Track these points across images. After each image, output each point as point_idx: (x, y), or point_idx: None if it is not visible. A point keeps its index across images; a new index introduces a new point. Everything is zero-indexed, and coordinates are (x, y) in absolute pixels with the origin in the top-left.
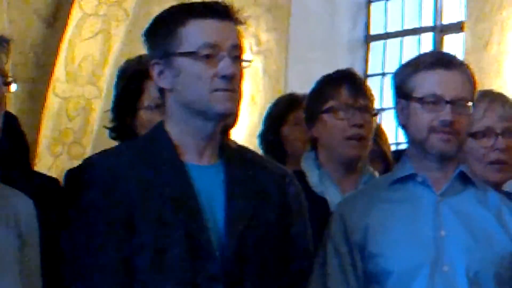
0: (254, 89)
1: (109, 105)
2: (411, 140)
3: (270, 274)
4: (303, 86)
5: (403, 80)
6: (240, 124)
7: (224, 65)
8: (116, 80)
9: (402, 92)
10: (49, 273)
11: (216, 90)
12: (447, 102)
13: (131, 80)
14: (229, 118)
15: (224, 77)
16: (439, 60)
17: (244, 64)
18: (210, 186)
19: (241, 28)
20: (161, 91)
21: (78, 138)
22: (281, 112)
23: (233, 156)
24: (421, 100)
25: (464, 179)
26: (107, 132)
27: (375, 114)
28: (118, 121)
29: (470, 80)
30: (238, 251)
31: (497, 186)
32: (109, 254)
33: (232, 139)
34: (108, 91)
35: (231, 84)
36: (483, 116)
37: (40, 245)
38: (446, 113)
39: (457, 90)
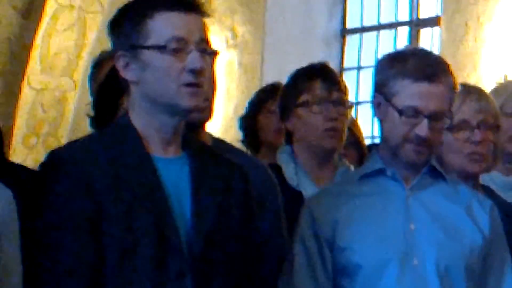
0: (230, 82)
1: (84, 97)
2: (383, 136)
3: (238, 270)
4: (279, 79)
5: (386, 80)
6: (215, 116)
7: (192, 59)
8: (90, 71)
9: (382, 91)
10: (30, 264)
11: (184, 84)
12: (425, 116)
13: (109, 76)
14: (195, 113)
15: (192, 71)
16: (426, 71)
17: (211, 57)
18: (176, 179)
19: (209, 20)
20: (126, 83)
21: (53, 130)
22: (260, 99)
23: (197, 149)
24: (399, 110)
25: (434, 173)
26: (82, 123)
27: (350, 107)
28: (99, 115)
29: (451, 90)
30: (205, 248)
31: (473, 178)
32: (75, 254)
33: (208, 131)
34: (84, 83)
35: (199, 78)
36: (459, 109)
37: (21, 236)
38: (422, 128)
39: (437, 104)
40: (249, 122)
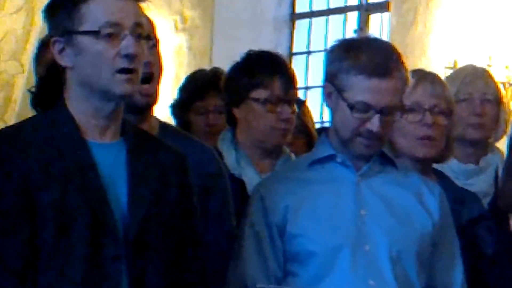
0: (178, 66)
1: (32, 81)
2: (334, 126)
3: (174, 255)
4: (228, 63)
5: (338, 72)
6: (163, 101)
7: (127, 44)
8: (35, 53)
9: (334, 81)
10: None
11: (118, 70)
12: (376, 111)
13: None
14: (140, 97)
15: (126, 56)
16: (378, 68)
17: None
18: (112, 164)
19: (157, 4)
20: (62, 68)
21: (1, 114)
22: (189, 98)
23: (134, 135)
24: (351, 106)
25: (385, 160)
26: (29, 107)
27: (300, 103)
28: (43, 96)
29: (403, 83)
30: (141, 230)
31: (425, 162)
32: (10, 241)
33: (155, 116)
34: (31, 67)
35: (134, 63)
36: (412, 92)
37: None
38: (373, 123)
39: (389, 99)
40: (179, 112)
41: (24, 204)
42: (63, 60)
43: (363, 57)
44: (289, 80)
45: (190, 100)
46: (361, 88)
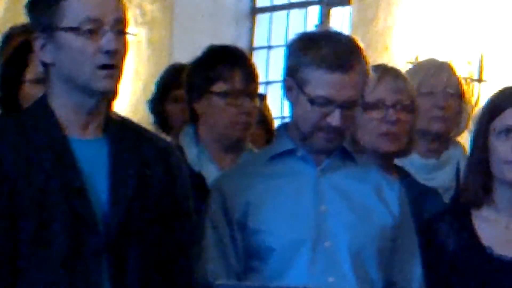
0: (138, 60)
1: None
2: (294, 120)
3: (156, 250)
4: (188, 57)
5: (298, 66)
6: (123, 95)
7: (107, 40)
8: None
9: (294, 76)
10: None
11: (98, 66)
12: (337, 105)
13: (16, 51)
14: (111, 94)
15: (107, 52)
16: (338, 61)
17: (128, 37)
18: (94, 160)
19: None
20: (45, 64)
21: None
22: (165, 86)
23: (117, 130)
24: (312, 100)
25: (345, 155)
26: None
27: (261, 97)
28: (3, 92)
29: (364, 76)
30: (122, 225)
31: (387, 158)
32: None
33: (115, 111)
34: None
35: (114, 59)
36: (374, 88)
37: None
38: (334, 117)
39: (349, 93)
40: (156, 106)
41: (4, 200)
42: (45, 56)
43: (323, 51)
44: (250, 73)
45: (167, 89)
46: (322, 82)
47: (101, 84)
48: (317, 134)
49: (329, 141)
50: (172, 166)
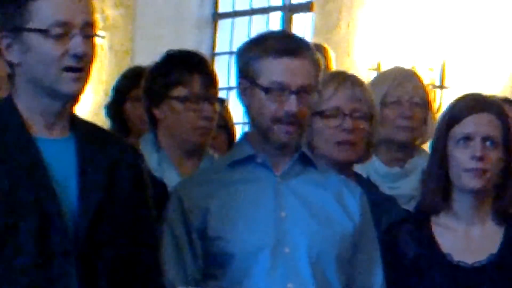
0: (99, 66)
1: None
2: (252, 123)
3: (126, 250)
4: (150, 62)
5: (248, 62)
6: (84, 101)
7: (75, 44)
8: None
9: (246, 74)
10: None
11: (66, 69)
12: (292, 92)
13: None
14: (78, 98)
15: (75, 56)
16: (286, 47)
17: (97, 40)
18: (61, 159)
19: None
20: (11, 64)
21: None
22: (124, 86)
23: (84, 129)
24: (265, 89)
25: (305, 160)
26: None
27: (221, 102)
28: None
29: (316, 66)
30: (91, 228)
31: (345, 166)
32: None
33: (77, 115)
34: None
35: (82, 63)
36: (332, 96)
37: None
38: (291, 103)
39: (303, 79)
40: (115, 110)
41: None
42: (10, 56)
43: (271, 42)
44: (209, 77)
45: (126, 90)
46: (273, 69)
47: (67, 86)
48: (276, 127)
49: (288, 133)
50: (141, 169)
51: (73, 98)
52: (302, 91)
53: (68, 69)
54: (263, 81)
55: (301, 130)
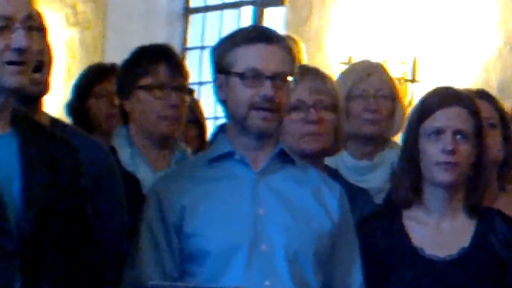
0: (70, 60)
1: None
2: (230, 116)
3: (71, 250)
4: (121, 57)
5: (222, 55)
6: (55, 96)
7: (17, 38)
8: None
9: (221, 67)
10: None
11: (7, 62)
12: (267, 77)
13: None
14: (20, 92)
15: (16, 49)
16: (259, 34)
17: (40, 32)
18: (3, 156)
19: None
20: None
21: None
22: (88, 82)
23: (26, 125)
24: (241, 75)
25: (284, 157)
26: None
27: (190, 92)
28: None
29: (290, 54)
30: (35, 228)
31: (314, 158)
32: None
33: (45, 111)
34: None
35: (24, 56)
36: (294, 89)
37: None
38: (266, 88)
39: (277, 65)
40: (77, 107)
41: None
42: None
43: (243, 33)
44: (175, 66)
45: (89, 86)
46: (247, 55)
47: (10, 80)
48: (253, 114)
49: (266, 120)
50: (81, 164)
51: (16, 91)
52: (277, 78)
53: (10, 62)
54: (238, 68)
55: (279, 118)
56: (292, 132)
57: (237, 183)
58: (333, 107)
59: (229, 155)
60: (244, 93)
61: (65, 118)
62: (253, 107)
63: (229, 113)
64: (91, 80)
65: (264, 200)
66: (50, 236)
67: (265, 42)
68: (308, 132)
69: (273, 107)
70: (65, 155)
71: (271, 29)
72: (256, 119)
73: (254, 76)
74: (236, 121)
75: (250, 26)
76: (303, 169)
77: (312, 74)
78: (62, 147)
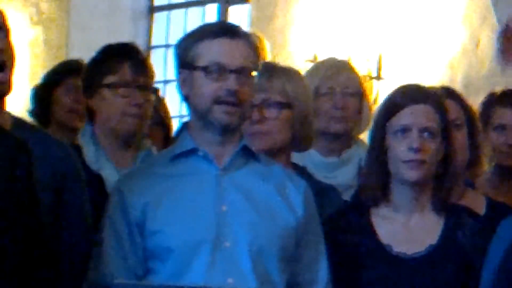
0: (34, 59)
1: None
2: (193, 112)
3: (25, 254)
4: (85, 56)
5: (186, 50)
6: (19, 94)
7: None
8: None
9: (185, 62)
10: None
11: None
12: (231, 71)
13: None
14: None
15: None
16: (222, 29)
17: (1, 32)
18: None
19: None
20: None
21: None
22: (61, 73)
23: None
24: (204, 69)
25: (248, 153)
26: None
27: (155, 91)
28: None
29: (254, 49)
30: None
31: (271, 156)
32: None
33: (8, 111)
34: None
35: None
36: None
37: None
38: (230, 82)
39: (241, 59)
40: (42, 94)
41: None
42: None
43: (207, 28)
44: (140, 65)
45: (61, 76)
46: (212, 49)
47: None
48: (217, 107)
49: (229, 114)
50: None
51: None
52: (241, 72)
53: None
54: (202, 62)
55: (242, 112)
56: (244, 133)
57: (200, 180)
58: (284, 104)
59: (192, 152)
60: (208, 87)
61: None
62: (217, 101)
63: (193, 109)
64: (64, 72)
65: (228, 197)
66: (2, 240)
67: (229, 37)
68: (254, 132)
69: (237, 101)
70: (18, 156)
71: (235, 25)
72: (219, 113)
73: (218, 70)
74: (199, 116)
75: (214, 22)
76: (267, 165)
77: (262, 71)
78: (16, 148)
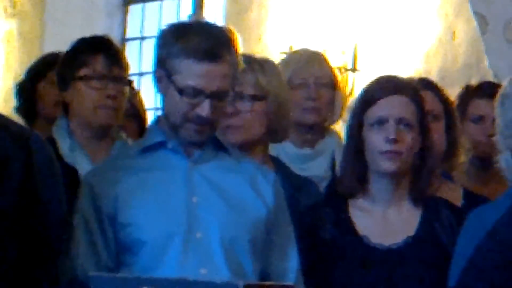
0: (9, 52)
1: None
2: (165, 111)
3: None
4: (60, 49)
5: (168, 57)
6: None
7: None
8: None
9: (164, 65)
10: None
11: None
12: (206, 96)
13: None
14: None
15: None
16: (208, 51)
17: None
18: None
19: None
20: None
21: None
22: (43, 67)
23: None
24: (180, 90)
25: (218, 146)
26: None
27: (129, 83)
28: None
29: (235, 68)
30: None
31: (243, 150)
32: None
33: None
34: None
35: None
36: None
37: None
38: (203, 108)
39: (219, 84)
40: (26, 89)
41: None
42: None
43: (192, 42)
44: (113, 57)
45: (43, 71)
46: (190, 72)
47: None
48: (187, 125)
49: (199, 132)
50: (36, 159)
51: None
52: (216, 96)
53: None
54: (179, 81)
55: (212, 129)
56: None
57: (171, 172)
58: (258, 96)
59: (162, 145)
60: (182, 105)
61: (2, 106)
62: (188, 119)
63: (166, 110)
64: (48, 65)
65: (198, 188)
66: None
67: (213, 61)
68: (227, 125)
69: (207, 123)
70: (14, 147)
71: (222, 40)
72: (190, 131)
73: (193, 94)
74: (170, 121)
75: (202, 29)
76: (237, 157)
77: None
78: (12, 140)
